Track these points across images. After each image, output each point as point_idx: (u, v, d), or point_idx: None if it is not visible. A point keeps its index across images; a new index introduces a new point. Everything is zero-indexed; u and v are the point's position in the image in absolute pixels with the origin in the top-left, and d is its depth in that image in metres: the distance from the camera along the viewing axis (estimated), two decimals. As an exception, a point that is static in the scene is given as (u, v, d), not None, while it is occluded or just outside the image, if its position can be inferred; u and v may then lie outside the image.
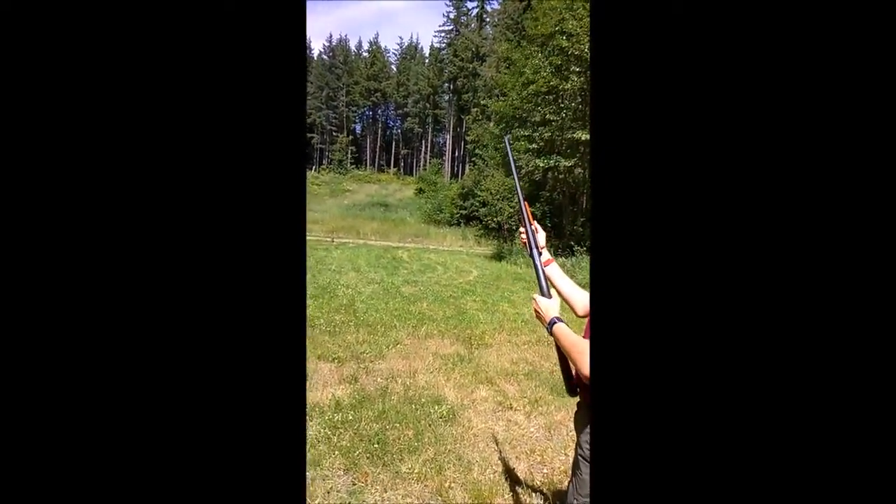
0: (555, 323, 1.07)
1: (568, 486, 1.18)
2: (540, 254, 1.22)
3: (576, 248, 9.63)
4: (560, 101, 10.20)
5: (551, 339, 1.08)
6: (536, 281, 1.20)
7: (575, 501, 1.03)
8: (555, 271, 1.26)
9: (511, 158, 1.45)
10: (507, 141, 1.53)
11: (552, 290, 1.18)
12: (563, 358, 1.08)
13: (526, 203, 1.28)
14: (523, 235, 1.28)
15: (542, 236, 1.27)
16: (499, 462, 2.03)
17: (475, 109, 22.11)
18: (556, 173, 10.88)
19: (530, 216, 1.28)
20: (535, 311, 1.15)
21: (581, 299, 1.22)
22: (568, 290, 1.24)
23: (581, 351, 0.97)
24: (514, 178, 1.36)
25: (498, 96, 15.09)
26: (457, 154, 36.36)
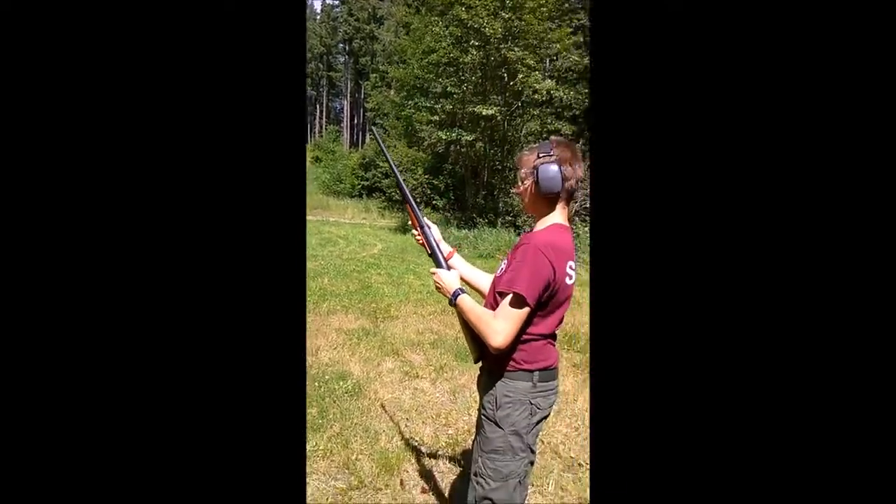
0: (458, 294, 1.09)
1: (473, 444, 1.25)
2: (440, 249, 1.22)
3: (478, 220, 10.01)
4: (461, 73, 10.26)
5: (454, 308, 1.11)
6: (433, 258, 1.21)
7: (479, 458, 1.08)
8: (459, 262, 1.27)
9: (389, 158, 1.36)
10: (374, 132, 1.44)
11: (448, 264, 1.20)
12: (469, 326, 1.11)
13: (412, 206, 1.26)
14: (418, 237, 1.26)
15: (436, 230, 1.27)
16: (406, 429, 2.08)
17: (374, 75, 21.22)
18: (458, 147, 11.06)
19: (418, 215, 1.27)
20: (437, 284, 1.15)
21: (488, 284, 1.25)
22: (475, 278, 1.26)
23: (487, 323, 1.00)
24: (395, 176, 1.31)
25: (398, 63, 14.63)
26: (356, 121, 34.78)
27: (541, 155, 1.03)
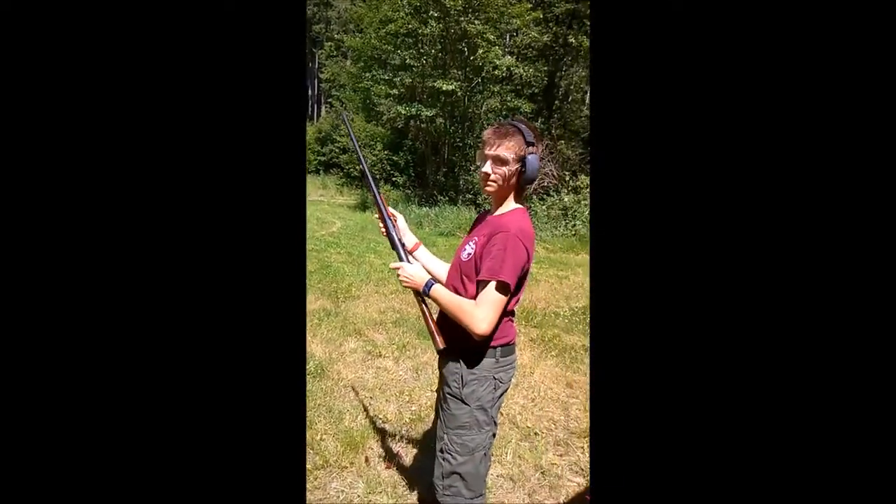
0: (431, 285, 1.07)
1: (436, 422, 1.29)
2: (402, 243, 1.19)
3: (438, 197, 9.98)
4: (420, 45, 9.98)
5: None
6: (395, 251, 1.18)
7: (445, 435, 1.11)
8: (424, 255, 1.26)
9: (356, 144, 1.29)
10: (344, 118, 1.34)
11: (413, 256, 1.19)
12: (429, 316, 1.11)
13: (377, 199, 1.22)
14: (381, 227, 1.23)
15: (401, 221, 1.24)
16: (369, 407, 2.11)
17: (329, 44, 20.19)
18: (418, 122, 10.86)
19: (385, 204, 1.23)
20: (403, 279, 1.12)
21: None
22: (438, 270, 1.25)
23: (469, 312, 1.00)
24: (363, 168, 1.26)
25: (354, 32, 13.98)
26: (310, 93, 33.18)
27: (528, 143, 1.02)
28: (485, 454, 1.11)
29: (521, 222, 1.04)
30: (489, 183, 1.06)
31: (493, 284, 0.99)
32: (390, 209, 1.23)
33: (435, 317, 1.13)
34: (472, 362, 1.08)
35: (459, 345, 1.09)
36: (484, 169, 1.05)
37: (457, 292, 1.07)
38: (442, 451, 1.11)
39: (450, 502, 1.09)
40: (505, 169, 1.03)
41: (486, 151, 1.05)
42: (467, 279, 1.06)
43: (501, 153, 1.02)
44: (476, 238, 1.08)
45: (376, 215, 1.27)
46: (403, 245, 1.19)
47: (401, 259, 1.15)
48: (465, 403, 1.08)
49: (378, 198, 1.22)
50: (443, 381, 1.15)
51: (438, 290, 1.06)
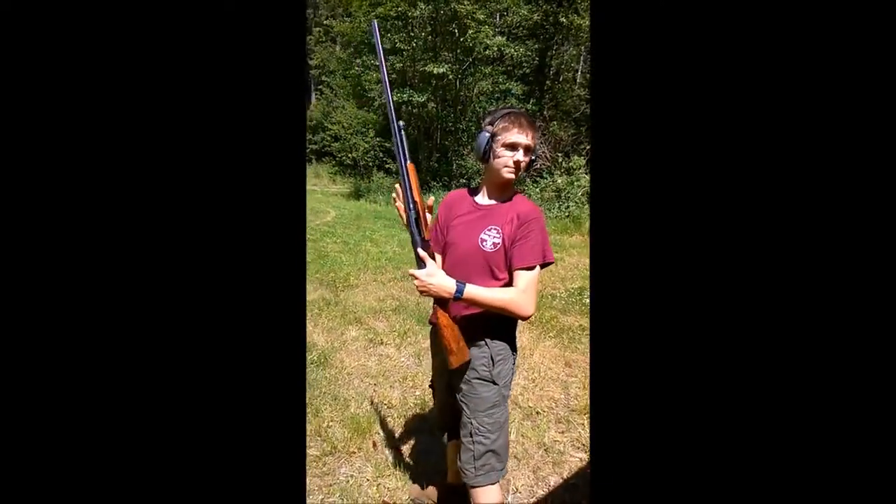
0: (462, 289, 1.00)
1: (440, 407, 1.32)
2: (424, 240, 1.05)
3: (432, 183, 9.94)
4: (410, 28, 9.80)
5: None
6: (413, 249, 1.05)
7: (473, 419, 1.11)
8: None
9: (384, 70, 1.08)
10: (374, 26, 1.08)
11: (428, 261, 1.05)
12: (453, 327, 1.06)
13: (412, 166, 1.04)
14: (399, 204, 1.07)
15: (431, 220, 1.13)
16: (374, 394, 2.15)
17: (317, 29, 19.75)
18: (409, 107, 10.73)
19: (416, 184, 1.05)
20: (424, 289, 1.01)
21: None
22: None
23: (516, 301, 1.00)
24: (388, 103, 1.05)
25: (342, 16, 13.69)
26: (300, 80, 32.52)
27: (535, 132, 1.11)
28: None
29: (534, 205, 1.11)
30: (518, 172, 1.07)
31: (538, 268, 1.04)
32: (420, 199, 1.07)
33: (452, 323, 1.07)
34: (499, 344, 1.12)
35: (484, 332, 1.10)
36: (517, 157, 1.05)
37: (482, 284, 1.05)
38: (471, 434, 1.11)
39: (484, 480, 1.11)
40: (530, 157, 1.09)
41: (517, 140, 1.04)
42: (497, 269, 1.06)
43: (531, 143, 1.07)
44: (497, 227, 1.06)
45: (396, 196, 1.08)
46: (426, 242, 1.06)
47: (418, 261, 1.04)
48: (495, 384, 1.11)
49: (404, 168, 1.03)
50: (466, 368, 1.13)
51: (474, 290, 1.01)
